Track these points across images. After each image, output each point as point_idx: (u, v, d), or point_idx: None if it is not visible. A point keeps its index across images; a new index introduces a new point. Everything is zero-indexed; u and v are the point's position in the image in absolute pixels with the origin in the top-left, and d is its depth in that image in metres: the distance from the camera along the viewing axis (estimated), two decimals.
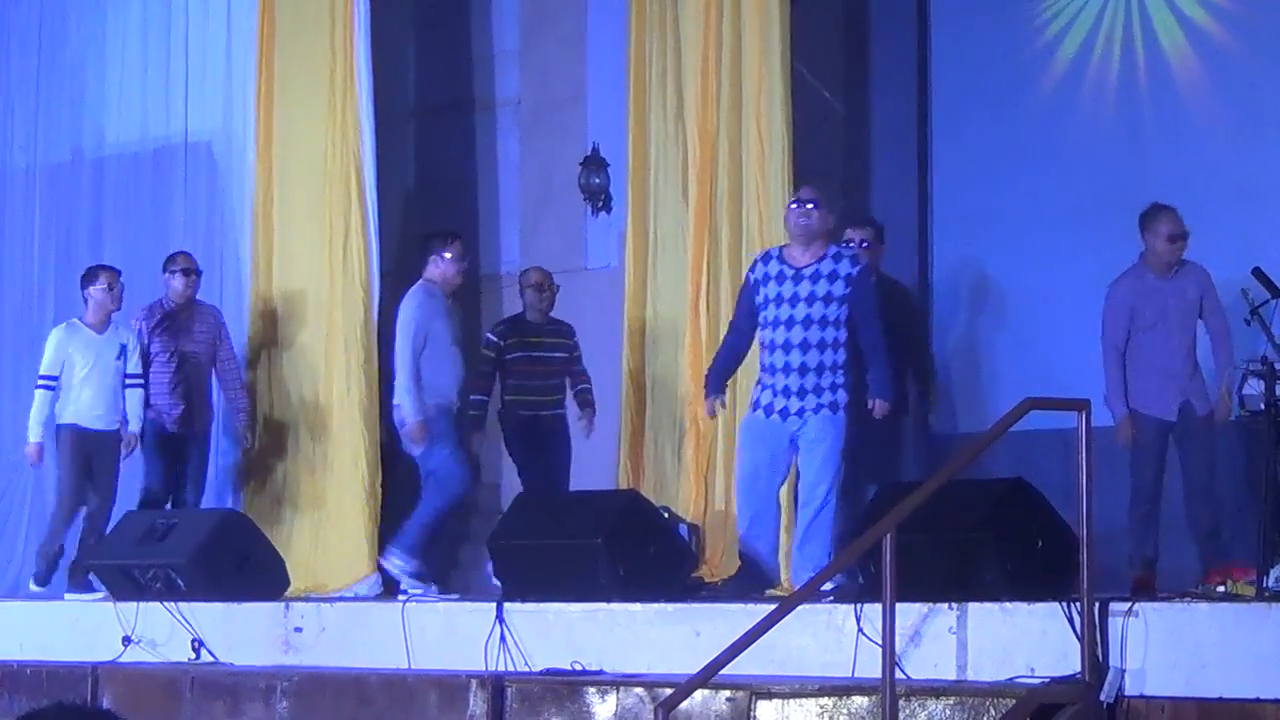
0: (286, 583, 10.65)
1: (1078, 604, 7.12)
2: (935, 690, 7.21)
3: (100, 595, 10.86)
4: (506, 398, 10.93)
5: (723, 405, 9.53)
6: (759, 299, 9.21)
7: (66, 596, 11.22)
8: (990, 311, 11.45)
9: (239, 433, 11.87)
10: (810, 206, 9.20)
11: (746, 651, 7.00)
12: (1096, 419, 7.46)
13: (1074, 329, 10.54)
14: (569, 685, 8.15)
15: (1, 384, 13.69)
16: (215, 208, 12.89)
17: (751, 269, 9.37)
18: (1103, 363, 9.35)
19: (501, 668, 8.60)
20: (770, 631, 7.10)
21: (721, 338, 9.83)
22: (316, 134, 12.04)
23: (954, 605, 7.51)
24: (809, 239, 9.18)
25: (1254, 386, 8.16)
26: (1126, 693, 7.03)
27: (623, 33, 11.34)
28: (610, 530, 8.96)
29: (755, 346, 9.35)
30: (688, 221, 10.88)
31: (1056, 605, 7.22)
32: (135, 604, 10.17)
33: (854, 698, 7.30)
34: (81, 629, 10.49)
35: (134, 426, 11.34)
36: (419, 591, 10.14)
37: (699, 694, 7.31)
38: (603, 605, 8.63)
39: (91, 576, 11.04)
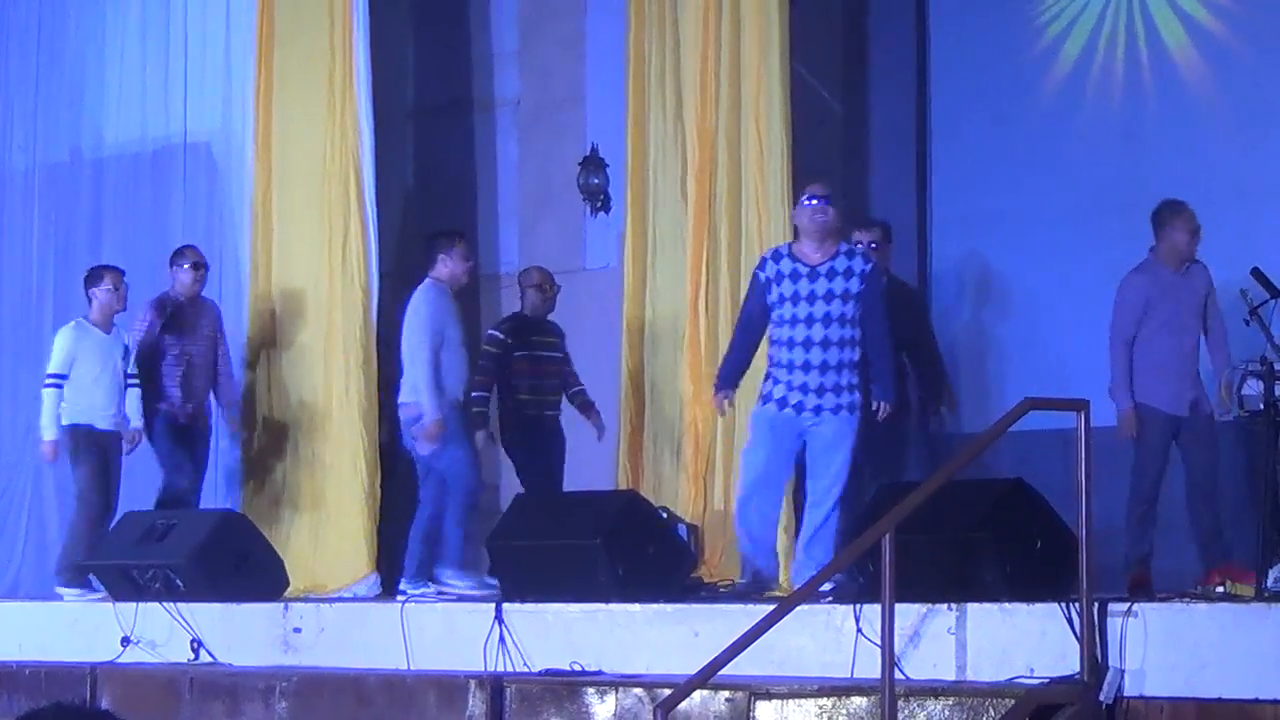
0: (285, 583, 10.64)
1: (1077, 604, 7.12)
2: (934, 691, 7.21)
3: (99, 595, 10.86)
4: (515, 397, 10.84)
5: (731, 404, 9.47)
6: (772, 297, 9.14)
7: (59, 589, 11.19)
8: (990, 312, 11.44)
9: (230, 427, 11.84)
10: (824, 204, 9.16)
11: (745, 652, 7.00)
12: (1096, 419, 7.46)
13: (1074, 329, 10.54)
14: (568, 686, 8.15)
15: (0, 384, 13.69)
16: (214, 208, 12.88)
17: (761, 267, 9.29)
18: (1110, 354, 9.33)
19: (500, 668, 8.60)
20: (769, 632, 7.09)
21: (721, 338, 9.80)
22: (316, 134, 12.03)
23: (953, 605, 7.51)
24: (823, 236, 9.13)
25: (1253, 387, 8.15)
26: (1126, 693, 7.03)
27: (622, 33, 11.33)
28: (609, 531, 8.96)
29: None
30: (687, 222, 10.86)
31: (1056, 605, 7.21)
32: (134, 604, 10.16)
33: (853, 698, 7.30)
34: (80, 629, 10.48)
35: (135, 423, 11.33)
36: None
37: (698, 694, 7.30)
38: (602, 606, 8.63)
39: (91, 576, 11.04)
